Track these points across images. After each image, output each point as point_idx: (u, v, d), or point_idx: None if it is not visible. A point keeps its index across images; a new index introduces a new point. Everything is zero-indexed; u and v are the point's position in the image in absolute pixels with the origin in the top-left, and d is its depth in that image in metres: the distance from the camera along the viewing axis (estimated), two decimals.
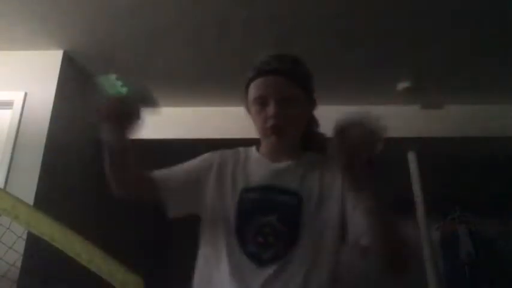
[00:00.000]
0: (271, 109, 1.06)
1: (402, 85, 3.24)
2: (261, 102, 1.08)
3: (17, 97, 2.71)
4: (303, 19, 2.62)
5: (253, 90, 1.11)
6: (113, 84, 1.03)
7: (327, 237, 1.00)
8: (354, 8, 2.51)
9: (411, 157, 3.55)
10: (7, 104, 2.70)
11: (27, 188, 2.45)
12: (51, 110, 2.70)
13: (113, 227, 3.53)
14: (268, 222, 1.01)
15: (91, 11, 2.53)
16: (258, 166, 1.12)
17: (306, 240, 0.99)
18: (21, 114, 2.66)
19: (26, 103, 2.71)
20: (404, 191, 3.48)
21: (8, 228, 1.83)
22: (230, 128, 3.43)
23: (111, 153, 1.03)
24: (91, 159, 3.29)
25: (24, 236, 2.00)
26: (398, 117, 3.56)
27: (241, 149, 1.21)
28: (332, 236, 1.00)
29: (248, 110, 1.17)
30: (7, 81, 2.78)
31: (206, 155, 1.20)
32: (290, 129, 1.09)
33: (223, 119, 3.51)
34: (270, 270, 0.96)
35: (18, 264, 2.14)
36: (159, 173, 1.16)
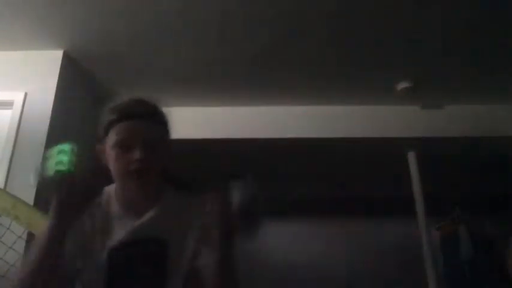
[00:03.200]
0: (137, 153, 1.02)
1: (402, 85, 3.24)
2: (124, 146, 1.04)
3: (17, 97, 2.70)
4: (303, 19, 2.62)
5: (114, 135, 1.05)
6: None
7: (187, 280, 1.03)
8: (354, 7, 2.51)
9: (411, 157, 3.56)
10: (7, 104, 2.70)
11: (27, 188, 2.44)
12: (51, 110, 2.70)
13: None
14: (142, 275, 1.01)
15: (91, 11, 2.53)
16: (120, 223, 1.07)
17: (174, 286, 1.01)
18: (21, 114, 2.66)
19: (26, 103, 2.70)
20: (404, 191, 3.48)
21: (8, 228, 1.83)
22: (230, 128, 3.43)
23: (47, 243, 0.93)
24: (91, 159, 3.29)
25: (24, 236, 1.99)
26: (398, 117, 3.56)
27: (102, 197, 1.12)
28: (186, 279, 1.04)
29: (101, 154, 1.12)
30: (7, 81, 2.78)
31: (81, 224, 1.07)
32: (154, 173, 1.07)
33: (223, 119, 3.51)
34: None
35: (18, 264, 2.14)
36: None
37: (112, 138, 1.06)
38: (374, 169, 4.03)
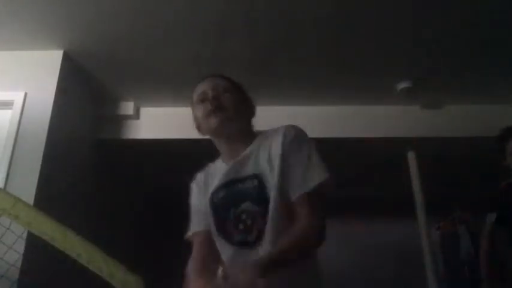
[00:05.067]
0: (209, 97, 1.19)
1: (402, 85, 3.24)
2: (202, 99, 1.22)
3: (17, 97, 2.70)
4: (303, 19, 2.62)
5: (195, 95, 1.26)
6: None
7: (281, 199, 1.09)
8: (354, 7, 2.52)
9: (411, 157, 3.56)
10: (7, 104, 2.70)
11: (27, 188, 2.44)
12: (51, 110, 2.70)
13: (113, 227, 3.53)
14: (243, 210, 1.10)
15: (91, 11, 2.53)
16: (220, 170, 1.22)
17: (273, 211, 1.07)
18: (21, 114, 2.66)
19: (26, 103, 2.70)
20: (405, 191, 3.48)
21: (8, 228, 1.83)
22: None
23: None
24: (91, 159, 3.29)
25: (24, 236, 1.99)
26: (398, 117, 3.56)
27: (211, 164, 1.30)
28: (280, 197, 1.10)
29: (197, 124, 1.29)
30: (7, 81, 2.78)
31: (192, 191, 1.31)
32: (229, 111, 1.17)
33: None
34: (259, 248, 1.06)
35: (18, 264, 2.14)
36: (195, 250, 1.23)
37: (194, 100, 1.27)
38: (374, 169, 4.02)
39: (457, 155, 3.73)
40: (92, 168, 3.27)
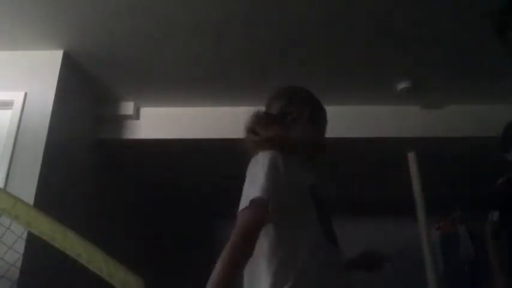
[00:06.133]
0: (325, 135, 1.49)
1: (402, 85, 3.24)
2: (324, 125, 1.49)
3: (17, 97, 2.70)
4: (303, 19, 2.62)
5: (324, 117, 1.51)
6: None
7: None
8: (354, 7, 2.52)
9: (411, 157, 3.55)
10: (7, 104, 2.70)
11: (27, 188, 2.44)
12: (51, 110, 2.70)
13: (113, 227, 3.53)
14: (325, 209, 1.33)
15: (91, 11, 2.53)
16: (303, 167, 1.38)
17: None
18: (21, 114, 2.66)
19: (26, 103, 2.70)
20: (405, 191, 3.48)
21: (8, 228, 1.83)
22: (230, 128, 3.43)
23: None
24: (91, 159, 3.29)
25: (24, 236, 2.00)
26: (398, 117, 3.55)
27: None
28: None
29: (300, 118, 1.45)
30: (7, 81, 2.78)
31: (273, 162, 1.26)
32: None
33: (223, 119, 3.51)
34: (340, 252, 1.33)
35: (18, 264, 2.14)
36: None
37: (322, 117, 1.51)
38: (374, 169, 4.02)
39: (457, 155, 3.73)
40: (92, 168, 3.27)
